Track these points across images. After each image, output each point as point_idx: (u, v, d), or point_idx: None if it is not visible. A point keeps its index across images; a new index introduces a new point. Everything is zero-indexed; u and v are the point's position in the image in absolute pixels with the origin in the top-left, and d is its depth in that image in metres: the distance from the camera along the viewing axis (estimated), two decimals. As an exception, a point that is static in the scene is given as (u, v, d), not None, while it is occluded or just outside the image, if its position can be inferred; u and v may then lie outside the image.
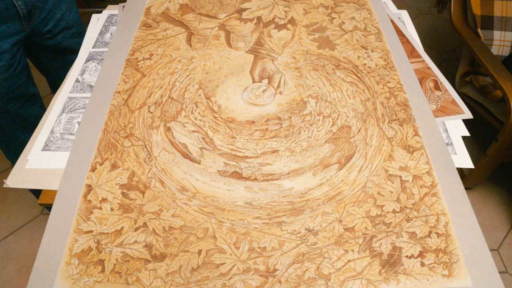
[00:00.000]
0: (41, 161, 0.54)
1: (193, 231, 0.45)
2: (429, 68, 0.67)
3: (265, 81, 0.63)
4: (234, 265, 0.43)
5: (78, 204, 0.47)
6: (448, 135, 0.58)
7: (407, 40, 0.72)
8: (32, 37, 0.80)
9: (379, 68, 0.64)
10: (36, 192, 1.01)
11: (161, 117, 0.57)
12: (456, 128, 0.59)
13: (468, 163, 0.55)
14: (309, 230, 0.46)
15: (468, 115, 0.60)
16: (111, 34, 0.75)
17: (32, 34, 0.79)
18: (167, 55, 0.67)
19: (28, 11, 0.73)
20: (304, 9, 0.76)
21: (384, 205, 0.48)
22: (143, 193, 0.49)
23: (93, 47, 0.72)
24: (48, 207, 0.49)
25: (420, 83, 0.64)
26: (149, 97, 0.60)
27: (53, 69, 0.94)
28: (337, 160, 0.52)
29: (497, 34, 1.20)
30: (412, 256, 0.44)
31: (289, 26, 0.73)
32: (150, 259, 0.43)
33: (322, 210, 0.47)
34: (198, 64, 0.65)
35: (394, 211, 0.47)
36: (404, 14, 0.81)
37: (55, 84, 0.99)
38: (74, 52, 0.75)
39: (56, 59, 0.91)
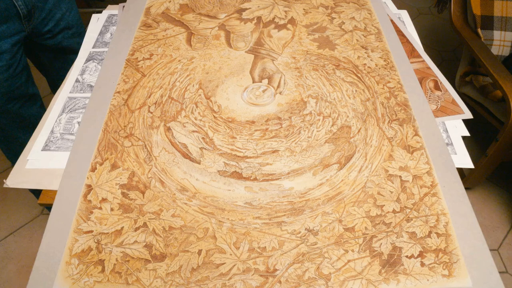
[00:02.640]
0: (41, 161, 0.54)
1: (193, 231, 0.45)
2: (429, 68, 0.67)
3: (265, 81, 0.63)
4: (234, 265, 0.43)
5: (78, 204, 0.47)
6: (448, 135, 0.58)
7: (407, 40, 0.72)
8: (32, 37, 0.80)
9: (379, 68, 0.64)
10: (36, 192, 1.01)
11: (161, 117, 0.57)
12: (456, 128, 0.59)
13: (468, 163, 0.55)
14: (309, 230, 0.46)
15: (468, 115, 0.60)
16: (111, 34, 0.75)
17: (32, 34, 0.79)
18: (167, 55, 0.67)
19: (28, 11, 0.73)
20: (304, 9, 0.76)
21: (384, 205, 0.48)
22: (143, 193, 0.49)
23: (93, 47, 0.72)
24: (48, 207, 0.49)
25: (420, 83, 0.64)
26: (149, 97, 0.60)
27: (53, 69, 0.94)
28: (337, 160, 0.52)
29: (497, 34, 1.20)
30: (412, 256, 0.44)
31: (289, 26, 0.73)
32: (150, 259, 0.43)
33: (322, 210, 0.47)
34: (198, 64, 0.65)
35: (394, 211, 0.47)
36: (404, 14, 0.81)
37: (55, 84, 0.99)
38: (74, 52, 0.75)
39: (56, 59, 0.91)
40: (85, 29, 0.83)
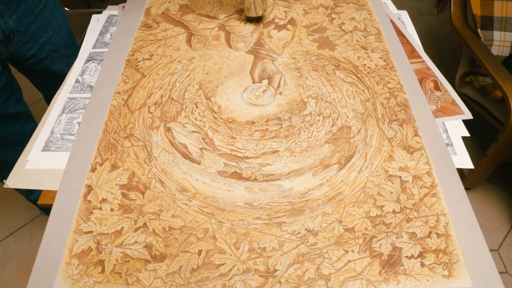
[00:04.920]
0: (41, 161, 0.54)
1: (193, 232, 0.45)
2: (429, 68, 0.67)
3: (265, 81, 0.63)
4: (234, 266, 0.43)
5: (78, 204, 0.47)
6: (448, 136, 0.58)
7: (407, 40, 0.73)
8: (14, 60, 0.75)
9: (379, 69, 0.64)
10: (33, 200, 0.99)
11: (161, 117, 0.57)
12: (456, 128, 0.59)
13: (468, 164, 0.55)
14: (309, 231, 0.46)
15: (468, 115, 0.60)
16: (111, 35, 0.75)
17: (13, 58, 0.74)
18: (167, 55, 0.67)
19: (5, 36, 0.69)
20: (304, 9, 0.77)
21: (384, 205, 0.48)
22: (143, 193, 0.49)
23: (93, 48, 0.72)
24: (48, 208, 0.49)
25: (420, 83, 0.64)
26: (149, 97, 0.60)
27: (45, 88, 0.90)
28: (337, 161, 0.52)
29: (497, 35, 1.20)
30: (412, 256, 0.44)
31: (289, 26, 0.73)
32: (150, 259, 0.43)
33: (322, 211, 0.47)
34: (198, 65, 0.65)
35: (394, 212, 0.47)
36: (404, 15, 0.81)
37: (49, 100, 0.96)
38: (64, 75, 0.68)
39: (46, 80, 0.86)
40: (78, 48, 0.77)
